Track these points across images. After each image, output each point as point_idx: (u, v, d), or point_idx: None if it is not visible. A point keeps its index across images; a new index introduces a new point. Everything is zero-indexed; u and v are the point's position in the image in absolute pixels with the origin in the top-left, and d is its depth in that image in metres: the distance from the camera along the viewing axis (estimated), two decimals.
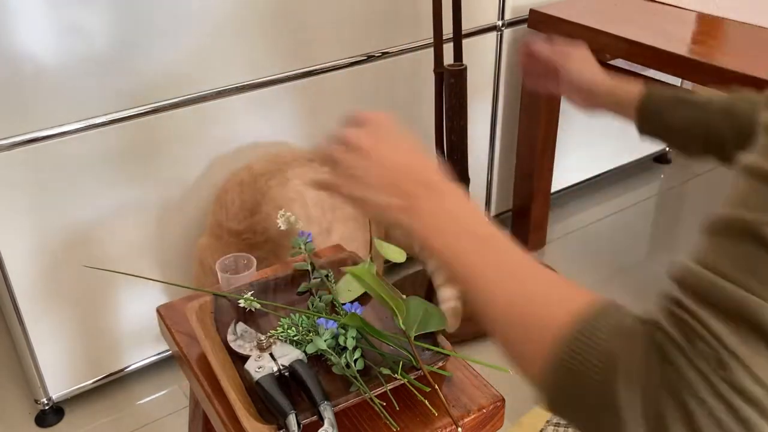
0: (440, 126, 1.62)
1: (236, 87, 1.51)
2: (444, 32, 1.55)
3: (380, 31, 1.67)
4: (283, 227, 1.06)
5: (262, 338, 0.91)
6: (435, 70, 1.57)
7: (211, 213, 1.48)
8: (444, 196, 0.67)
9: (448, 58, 1.59)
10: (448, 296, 1.60)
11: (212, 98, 1.49)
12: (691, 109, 0.98)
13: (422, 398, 0.86)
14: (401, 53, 1.72)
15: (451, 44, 1.59)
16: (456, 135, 1.58)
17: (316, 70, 1.60)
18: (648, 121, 1.02)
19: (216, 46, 1.45)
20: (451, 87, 1.54)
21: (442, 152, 1.64)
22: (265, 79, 1.54)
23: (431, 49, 1.58)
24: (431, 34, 1.55)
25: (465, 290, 0.61)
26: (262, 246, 1.40)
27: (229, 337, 0.94)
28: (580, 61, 1.07)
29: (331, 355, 0.88)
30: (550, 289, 0.57)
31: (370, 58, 1.68)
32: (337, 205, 1.47)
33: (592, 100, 1.06)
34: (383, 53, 1.69)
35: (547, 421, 1.02)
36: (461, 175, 1.64)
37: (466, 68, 1.53)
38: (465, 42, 1.81)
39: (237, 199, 1.41)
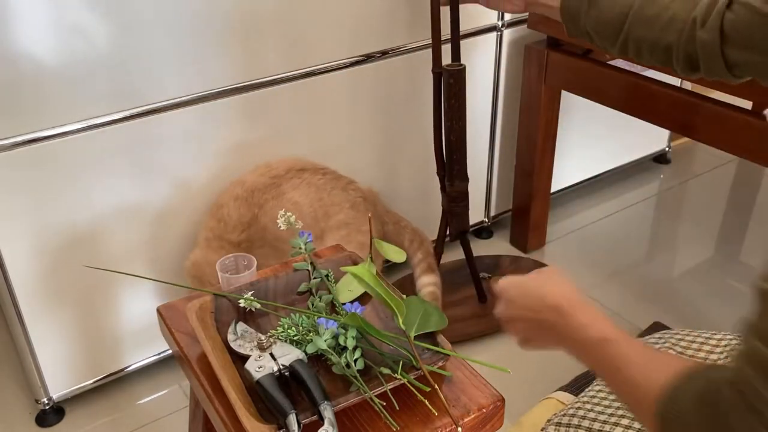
0: (438, 126, 1.62)
1: (236, 87, 1.51)
2: (443, 33, 1.55)
3: (379, 32, 1.67)
4: (283, 227, 1.06)
5: (263, 338, 0.91)
6: (433, 71, 1.57)
7: (206, 228, 1.48)
8: (570, 316, 0.78)
9: (446, 59, 1.59)
10: (426, 282, 1.64)
11: (213, 98, 1.49)
12: (604, 12, 1.06)
13: (422, 398, 0.86)
14: (400, 53, 1.72)
15: (450, 45, 1.59)
16: (455, 135, 1.58)
17: (315, 70, 1.61)
18: (571, 25, 1.13)
19: (216, 47, 1.45)
20: (450, 87, 1.54)
21: (441, 152, 1.64)
22: (263, 79, 1.54)
23: (430, 50, 1.58)
24: (430, 34, 1.55)
25: (611, 387, 0.76)
26: (259, 251, 1.42)
27: (230, 337, 0.95)
28: None
29: (331, 354, 0.89)
30: (643, 371, 0.69)
31: (369, 58, 1.68)
32: (330, 213, 1.49)
33: (525, 6, 1.26)
34: (383, 53, 1.70)
35: (548, 421, 1.02)
36: (460, 175, 1.64)
37: (464, 68, 1.53)
38: (465, 42, 1.81)
39: (234, 213, 1.44)
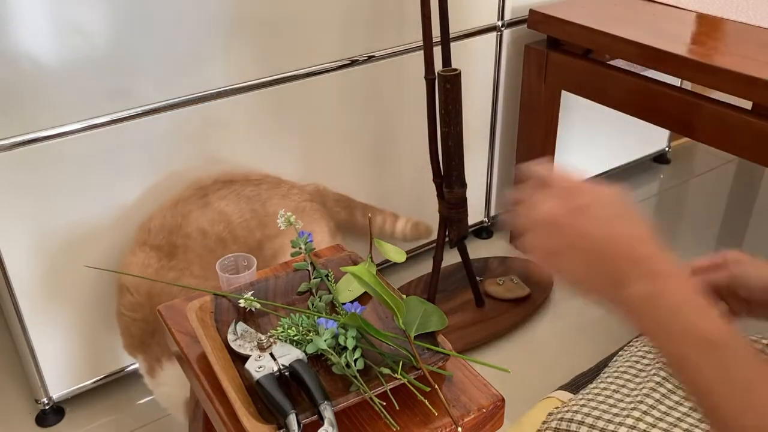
0: (433, 133, 1.60)
1: (235, 88, 1.51)
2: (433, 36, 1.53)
3: (365, 35, 1.66)
4: (283, 227, 1.06)
5: (263, 338, 0.91)
6: (426, 77, 1.54)
7: (134, 240, 1.48)
8: (659, 280, 0.58)
9: (436, 63, 1.57)
10: (403, 223, 1.77)
11: (212, 98, 1.49)
12: None
13: (422, 398, 0.86)
14: (388, 57, 1.71)
15: (441, 49, 1.57)
16: (453, 141, 1.56)
17: (302, 74, 1.60)
18: None
19: (214, 48, 1.45)
20: (447, 93, 1.51)
21: (437, 160, 1.62)
22: (261, 80, 1.54)
23: (417, 53, 1.56)
24: (418, 37, 1.52)
25: (692, 398, 0.57)
26: (182, 256, 1.42)
27: (230, 337, 0.95)
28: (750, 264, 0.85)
29: (331, 354, 0.89)
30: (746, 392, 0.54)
31: (354, 62, 1.67)
32: (266, 222, 1.49)
33: None
34: (369, 57, 1.69)
35: (547, 418, 1.02)
36: (459, 181, 1.62)
37: (460, 73, 1.51)
38: (465, 42, 1.81)
39: (158, 222, 1.45)
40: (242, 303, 0.99)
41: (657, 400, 0.96)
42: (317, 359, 0.93)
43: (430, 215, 1.82)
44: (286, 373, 0.87)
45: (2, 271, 1.40)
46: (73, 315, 1.51)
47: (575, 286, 0.63)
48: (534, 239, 0.65)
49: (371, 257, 1.08)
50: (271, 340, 0.92)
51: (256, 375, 0.86)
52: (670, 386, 0.98)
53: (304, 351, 0.91)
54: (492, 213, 2.16)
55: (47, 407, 1.58)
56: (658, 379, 0.99)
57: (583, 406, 0.99)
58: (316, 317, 0.94)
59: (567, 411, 0.99)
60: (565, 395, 1.21)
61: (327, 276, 1.06)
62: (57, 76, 1.31)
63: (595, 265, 0.60)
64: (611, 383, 1.03)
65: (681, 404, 0.96)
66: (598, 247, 0.60)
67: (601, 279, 0.60)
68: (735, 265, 0.84)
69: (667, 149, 2.57)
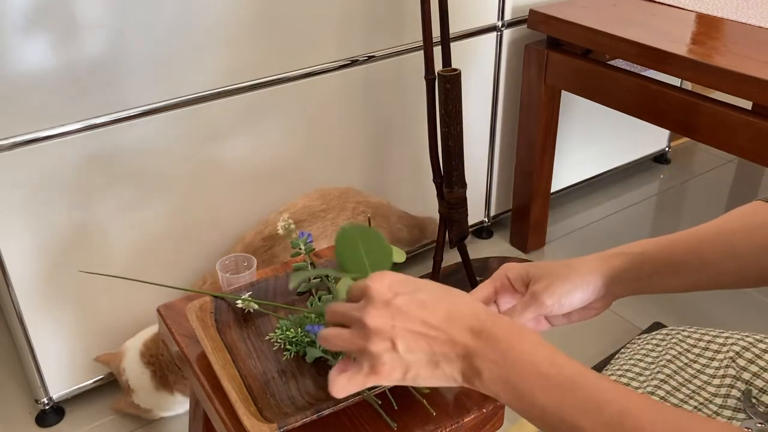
0: (434, 132, 1.60)
1: (234, 89, 1.51)
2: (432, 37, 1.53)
3: (363, 35, 1.65)
4: (281, 232, 1.06)
5: None
6: (426, 77, 1.54)
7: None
8: (501, 341, 0.59)
9: (436, 63, 1.56)
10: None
11: (211, 99, 1.49)
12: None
13: (421, 398, 0.86)
14: (388, 57, 1.71)
15: (441, 49, 1.57)
16: (453, 140, 1.56)
17: (302, 74, 1.60)
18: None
19: (212, 48, 1.45)
20: (447, 93, 1.51)
21: (437, 160, 1.62)
22: (257, 81, 1.54)
23: (417, 53, 1.55)
24: (418, 37, 1.51)
25: None
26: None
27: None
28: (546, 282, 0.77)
29: (330, 355, 0.89)
30: (654, 427, 0.52)
31: (353, 62, 1.67)
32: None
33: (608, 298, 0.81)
34: (369, 57, 1.68)
35: None
36: (459, 181, 1.62)
37: (460, 72, 1.51)
38: (464, 42, 1.81)
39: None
40: (240, 304, 0.99)
41: (662, 398, 0.96)
42: (317, 359, 0.93)
43: (430, 215, 1.82)
44: None
45: (2, 271, 1.40)
46: (73, 315, 1.51)
47: (426, 383, 0.62)
48: (363, 357, 0.62)
49: None
50: None
51: None
52: (674, 383, 0.98)
53: (304, 353, 0.91)
54: (492, 213, 2.16)
55: (47, 407, 1.58)
56: (662, 376, 1.00)
57: None
58: (306, 324, 0.94)
59: None
60: None
61: (327, 276, 1.06)
62: (57, 76, 1.31)
63: (433, 350, 0.60)
64: (616, 381, 1.03)
65: (686, 402, 0.96)
66: (431, 330, 0.60)
67: (445, 362, 0.60)
68: (532, 285, 0.77)
69: (667, 149, 2.57)
